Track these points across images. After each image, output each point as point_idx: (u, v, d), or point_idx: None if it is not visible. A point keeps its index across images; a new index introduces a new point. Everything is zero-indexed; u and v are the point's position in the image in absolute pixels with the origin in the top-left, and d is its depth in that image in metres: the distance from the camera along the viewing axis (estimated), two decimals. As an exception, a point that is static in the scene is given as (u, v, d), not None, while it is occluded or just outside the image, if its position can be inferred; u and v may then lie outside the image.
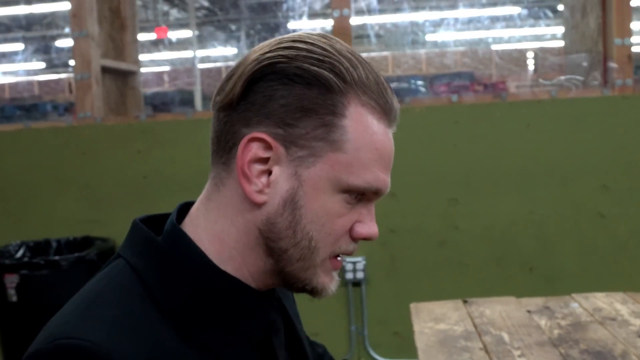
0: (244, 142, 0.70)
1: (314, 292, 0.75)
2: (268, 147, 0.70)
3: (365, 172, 0.70)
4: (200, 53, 11.56)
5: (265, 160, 0.70)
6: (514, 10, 9.33)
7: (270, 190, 0.71)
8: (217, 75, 13.31)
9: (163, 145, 3.07)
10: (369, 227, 0.74)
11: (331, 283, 0.75)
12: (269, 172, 0.71)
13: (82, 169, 3.10)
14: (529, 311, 1.69)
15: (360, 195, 0.72)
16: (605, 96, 2.89)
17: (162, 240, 0.73)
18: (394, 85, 3.96)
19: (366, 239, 0.74)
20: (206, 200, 0.75)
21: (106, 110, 3.27)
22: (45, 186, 3.12)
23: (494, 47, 11.80)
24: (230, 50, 13.33)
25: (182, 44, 12.18)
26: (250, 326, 0.74)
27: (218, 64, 13.73)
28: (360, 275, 2.90)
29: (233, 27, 12.59)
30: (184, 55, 12.47)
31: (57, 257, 2.71)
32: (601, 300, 1.77)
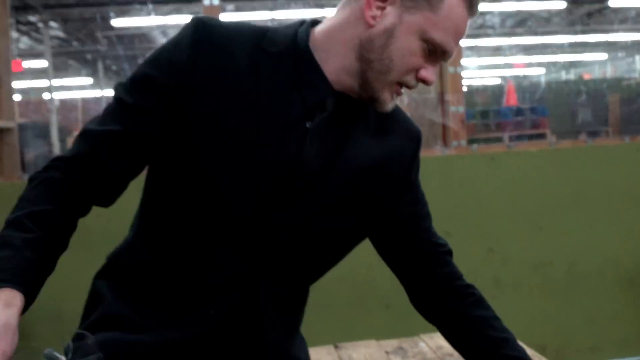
0: None
1: (378, 101, 1.04)
2: None
3: (443, 34, 1.01)
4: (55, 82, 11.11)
5: (384, 0, 1.01)
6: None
7: (380, 20, 1.01)
8: (72, 107, 12.81)
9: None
10: (430, 73, 1.03)
11: (390, 102, 1.05)
12: (384, 8, 1.01)
13: None
14: (387, 352, 2.05)
15: (432, 50, 1.02)
16: (445, 155, 3.38)
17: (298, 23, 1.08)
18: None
19: (424, 80, 1.04)
20: (335, 14, 1.07)
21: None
22: None
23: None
24: (86, 80, 13.02)
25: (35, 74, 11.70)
26: (308, 90, 1.03)
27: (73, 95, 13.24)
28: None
29: (89, 56, 12.31)
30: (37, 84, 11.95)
31: None
32: (442, 339, 2.16)
